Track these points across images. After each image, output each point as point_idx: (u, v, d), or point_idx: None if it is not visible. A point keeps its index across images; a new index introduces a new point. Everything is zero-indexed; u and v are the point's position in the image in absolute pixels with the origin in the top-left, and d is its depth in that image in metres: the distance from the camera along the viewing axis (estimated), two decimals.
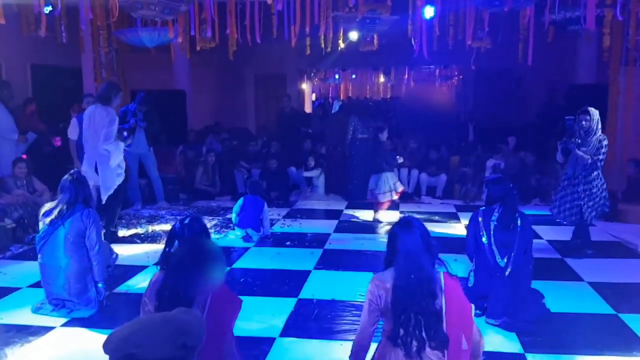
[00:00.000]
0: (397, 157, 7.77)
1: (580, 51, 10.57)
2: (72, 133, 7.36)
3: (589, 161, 5.47)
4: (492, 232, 4.17)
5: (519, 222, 4.17)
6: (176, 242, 2.98)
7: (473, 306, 2.54)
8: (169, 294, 2.51)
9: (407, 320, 2.42)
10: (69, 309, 4.24)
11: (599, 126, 5.54)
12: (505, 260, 4.10)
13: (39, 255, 4.32)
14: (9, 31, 6.57)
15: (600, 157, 5.48)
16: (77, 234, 4.23)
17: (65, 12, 6.98)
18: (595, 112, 5.54)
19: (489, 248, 4.14)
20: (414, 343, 2.43)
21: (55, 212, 4.24)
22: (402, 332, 2.44)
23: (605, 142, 5.50)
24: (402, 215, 7.96)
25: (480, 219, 4.26)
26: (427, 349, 2.43)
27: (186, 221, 3.07)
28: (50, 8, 6.89)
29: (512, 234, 4.13)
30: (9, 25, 6.01)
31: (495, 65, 12.19)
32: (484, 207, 4.37)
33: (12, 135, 7.53)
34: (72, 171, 4.50)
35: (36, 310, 4.32)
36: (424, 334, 2.42)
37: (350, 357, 2.68)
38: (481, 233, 4.19)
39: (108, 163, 6.19)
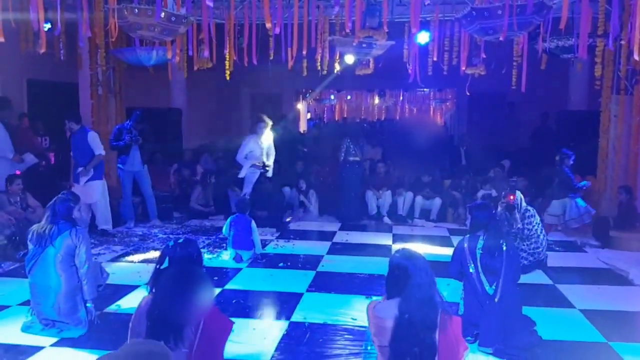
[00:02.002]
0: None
1: (572, 78, 10.73)
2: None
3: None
4: (478, 261, 4.15)
5: (504, 247, 4.17)
6: (166, 260, 2.99)
7: (469, 350, 2.55)
8: (159, 315, 2.51)
9: (404, 352, 2.43)
10: (59, 328, 4.21)
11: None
12: (494, 288, 4.10)
13: (29, 275, 4.29)
14: (6, 46, 6.57)
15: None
16: (67, 253, 4.21)
17: (64, 29, 7.02)
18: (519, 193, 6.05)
19: (477, 277, 4.14)
20: None
21: (42, 232, 4.22)
22: None
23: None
24: (395, 238, 7.98)
25: (465, 245, 4.26)
26: None
27: (180, 240, 3.08)
28: (49, 25, 6.93)
29: (499, 260, 4.12)
30: (6, 40, 6.02)
31: (488, 89, 12.32)
32: (469, 235, 4.38)
33: (6, 154, 7.52)
34: (63, 192, 4.51)
35: (26, 329, 4.28)
36: None
37: None
38: (468, 262, 4.18)
39: None
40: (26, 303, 4.62)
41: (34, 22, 5.83)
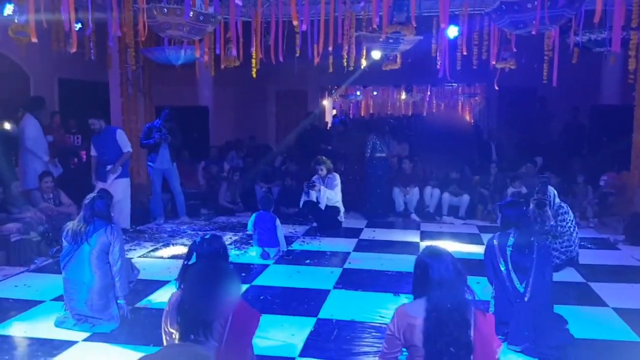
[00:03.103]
0: None
1: (605, 72, 10.50)
2: (92, 149, 7.58)
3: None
4: (509, 258, 4.10)
5: (535, 246, 4.11)
6: (194, 255, 3.04)
7: (503, 346, 2.52)
8: (188, 310, 2.54)
9: (439, 352, 2.40)
10: (91, 324, 4.29)
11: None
12: (524, 286, 4.04)
13: (64, 271, 4.38)
14: (38, 46, 6.74)
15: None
16: (102, 250, 4.29)
17: (94, 29, 7.14)
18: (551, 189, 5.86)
19: (507, 275, 4.08)
20: None
21: (78, 229, 4.31)
22: None
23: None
24: (422, 235, 7.93)
25: (495, 242, 4.21)
26: None
27: (207, 236, 3.13)
28: (80, 25, 7.06)
29: (529, 258, 4.06)
30: (38, 41, 6.16)
31: (518, 84, 12.13)
32: (499, 232, 4.32)
33: (42, 155, 7.70)
34: (98, 190, 4.61)
35: (59, 324, 4.37)
36: None
37: None
38: (499, 260, 4.13)
39: None
40: (59, 298, 4.72)
41: (65, 23, 5.94)
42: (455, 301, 2.45)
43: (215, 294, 2.56)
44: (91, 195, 4.47)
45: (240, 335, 2.66)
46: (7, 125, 7.81)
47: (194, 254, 3.07)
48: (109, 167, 7.44)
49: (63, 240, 4.41)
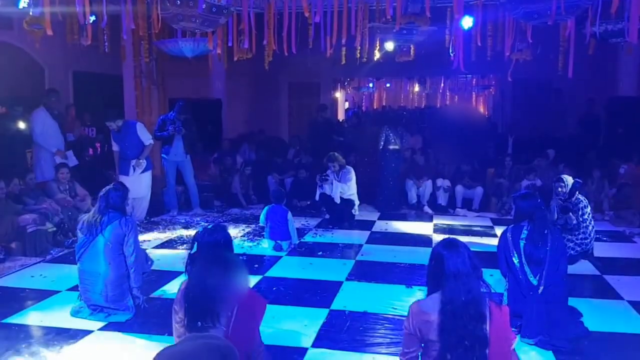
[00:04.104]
0: None
1: (622, 63, 10.35)
2: (113, 144, 7.64)
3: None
4: (522, 251, 4.08)
5: (549, 238, 4.08)
6: (196, 245, 3.08)
7: (518, 338, 2.50)
8: (194, 297, 2.60)
9: (455, 345, 2.39)
10: (106, 313, 4.34)
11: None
12: (538, 279, 4.02)
13: (79, 263, 4.44)
14: (53, 39, 6.79)
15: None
16: (116, 241, 4.33)
17: (108, 22, 7.18)
18: (568, 179, 5.79)
19: (520, 267, 4.06)
20: None
21: (94, 221, 4.35)
22: (449, 357, 2.41)
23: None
24: (435, 227, 7.90)
25: (509, 235, 4.18)
26: None
27: (209, 227, 3.15)
28: (94, 18, 7.10)
29: (542, 250, 4.04)
30: (53, 33, 6.20)
31: (533, 75, 12.00)
32: (512, 225, 4.29)
33: (50, 147, 7.76)
34: (114, 183, 4.66)
35: (75, 314, 4.43)
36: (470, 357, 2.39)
37: None
38: (512, 253, 4.11)
39: None
40: (75, 288, 4.78)
41: (80, 15, 5.97)
42: (470, 295, 2.44)
43: (219, 282, 2.59)
44: (106, 187, 4.52)
45: (246, 322, 2.70)
46: (21, 122, 7.88)
47: (196, 243, 3.11)
48: (133, 161, 7.50)
49: (78, 232, 4.47)
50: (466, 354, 2.39)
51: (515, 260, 4.08)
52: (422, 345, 2.59)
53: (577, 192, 5.76)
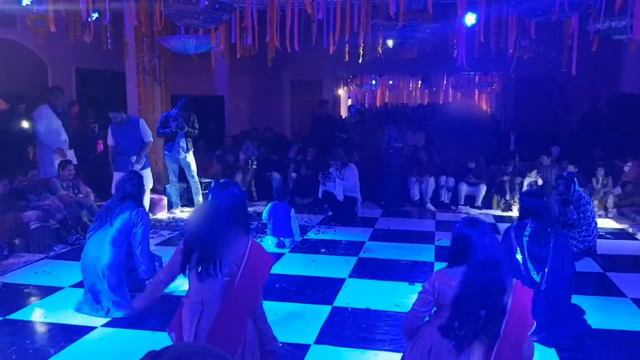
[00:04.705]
0: None
1: (626, 60, 10.31)
2: (109, 139, 7.62)
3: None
4: (525, 248, 4.09)
5: (552, 236, 4.08)
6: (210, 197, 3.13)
7: (535, 325, 2.49)
8: (193, 241, 2.68)
9: (467, 314, 2.40)
10: (105, 309, 4.37)
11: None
12: (540, 276, 4.02)
13: (86, 245, 4.54)
14: (56, 35, 6.80)
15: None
16: (124, 231, 4.41)
17: (111, 19, 7.18)
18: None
19: (523, 265, 4.06)
20: (467, 336, 2.41)
21: (108, 210, 4.47)
22: (457, 324, 2.42)
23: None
24: (438, 225, 7.90)
25: (512, 233, 4.19)
26: (475, 346, 2.42)
27: (222, 181, 3.17)
28: (97, 15, 7.10)
29: (545, 248, 4.04)
30: (56, 30, 6.20)
31: (536, 73, 11.97)
32: (516, 222, 4.29)
33: (51, 144, 7.76)
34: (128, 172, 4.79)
35: (78, 310, 4.45)
36: (479, 328, 2.40)
37: (402, 333, 2.76)
38: (515, 249, 4.11)
39: None
40: (78, 285, 4.80)
41: (83, 12, 5.98)
42: (494, 267, 2.44)
43: (222, 228, 2.64)
44: (123, 177, 4.65)
45: (254, 276, 2.71)
46: (24, 119, 7.88)
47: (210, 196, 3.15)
48: (133, 157, 7.48)
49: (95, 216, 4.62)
50: (476, 323, 2.39)
51: (519, 257, 4.09)
52: (436, 307, 2.62)
53: (574, 184, 5.76)
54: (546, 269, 4.01)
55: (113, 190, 4.85)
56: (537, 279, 4.02)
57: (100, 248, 4.38)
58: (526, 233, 4.12)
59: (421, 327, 2.64)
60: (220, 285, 2.66)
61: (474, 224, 2.58)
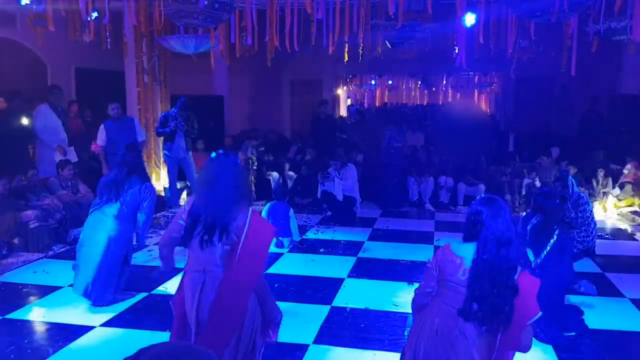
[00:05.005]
0: None
1: (626, 61, 10.31)
2: (101, 139, 7.60)
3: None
4: (527, 235, 4.28)
5: (556, 234, 4.16)
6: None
7: (540, 314, 2.47)
8: (196, 211, 2.72)
9: (483, 294, 2.39)
10: (92, 295, 4.47)
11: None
12: (535, 259, 4.16)
13: (89, 217, 4.60)
14: (55, 35, 6.79)
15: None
16: (132, 207, 4.50)
17: (110, 18, 7.18)
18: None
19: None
20: (486, 317, 2.40)
21: (115, 186, 4.52)
22: (475, 307, 2.41)
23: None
24: (437, 225, 7.90)
25: (520, 221, 4.41)
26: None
27: (221, 151, 3.16)
28: (96, 14, 7.10)
29: (544, 243, 4.16)
30: (55, 29, 6.20)
31: (535, 73, 11.98)
32: (527, 212, 4.48)
33: (51, 143, 7.75)
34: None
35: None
36: (497, 308, 2.39)
37: (412, 309, 2.76)
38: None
39: None
40: None
41: (82, 11, 5.97)
42: (506, 245, 2.43)
43: (223, 196, 2.68)
44: (121, 154, 4.72)
45: (256, 245, 2.72)
46: (23, 118, 7.88)
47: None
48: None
49: (97, 191, 4.63)
50: (494, 306, 2.38)
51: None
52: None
53: (571, 183, 5.78)
54: (545, 251, 4.12)
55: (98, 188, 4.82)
56: (532, 257, 4.18)
57: (105, 222, 4.46)
58: (533, 221, 4.31)
59: (427, 305, 2.64)
60: (220, 254, 2.68)
61: (490, 201, 2.57)
